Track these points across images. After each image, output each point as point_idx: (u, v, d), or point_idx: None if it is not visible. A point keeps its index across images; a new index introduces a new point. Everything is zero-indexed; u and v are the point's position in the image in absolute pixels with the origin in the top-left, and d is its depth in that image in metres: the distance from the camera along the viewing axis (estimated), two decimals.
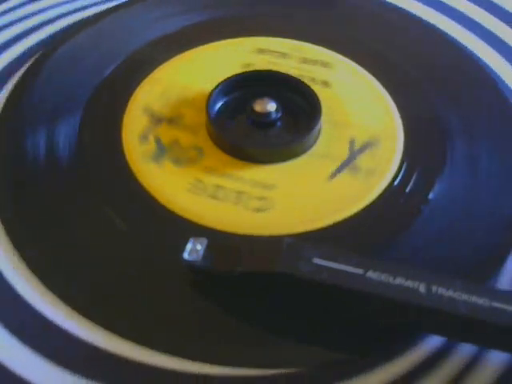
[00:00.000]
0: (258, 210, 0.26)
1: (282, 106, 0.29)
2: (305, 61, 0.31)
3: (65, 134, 0.28)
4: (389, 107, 0.30)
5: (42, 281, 0.24)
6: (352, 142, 0.28)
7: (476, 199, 0.27)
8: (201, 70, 0.31)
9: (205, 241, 0.24)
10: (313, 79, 0.30)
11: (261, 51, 0.32)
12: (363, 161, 0.28)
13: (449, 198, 0.27)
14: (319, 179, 0.27)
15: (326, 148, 0.28)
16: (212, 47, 0.32)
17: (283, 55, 0.31)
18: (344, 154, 0.28)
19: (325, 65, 0.31)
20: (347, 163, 0.28)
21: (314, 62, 0.31)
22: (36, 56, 0.32)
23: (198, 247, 0.23)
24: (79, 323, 0.23)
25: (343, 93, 0.30)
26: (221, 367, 0.22)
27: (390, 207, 0.26)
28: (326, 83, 0.30)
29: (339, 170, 0.27)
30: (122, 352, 0.23)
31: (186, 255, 0.23)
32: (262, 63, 0.31)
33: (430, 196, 0.27)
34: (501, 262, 0.25)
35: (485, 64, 0.32)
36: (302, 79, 0.30)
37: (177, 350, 0.23)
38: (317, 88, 0.29)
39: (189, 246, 0.23)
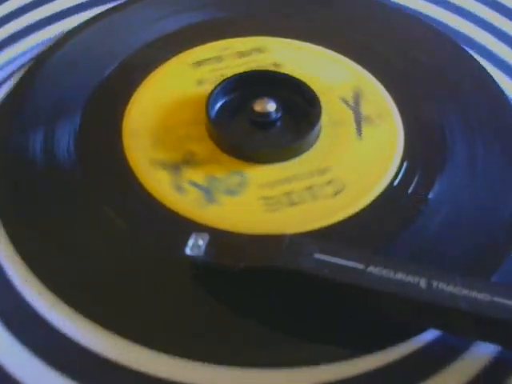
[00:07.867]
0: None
1: (282, 106, 0.29)
2: (240, 55, 0.31)
3: (65, 134, 0.28)
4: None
5: (42, 281, 0.24)
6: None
7: (476, 199, 0.27)
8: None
9: (206, 236, 0.24)
10: (262, 67, 0.31)
11: (198, 64, 0.31)
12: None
13: (449, 197, 0.27)
14: None
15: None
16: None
17: (218, 59, 0.31)
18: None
19: (261, 50, 0.31)
20: None
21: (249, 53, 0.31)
22: (35, 57, 0.32)
23: (200, 242, 0.24)
24: (79, 323, 0.23)
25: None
26: (221, 367, 0.22)
27: (390, 207, 0.26)
28: (276, 65, 0.31)
29: None
30: (121, 351, 0.23)
31: (187, 250, 0.23)
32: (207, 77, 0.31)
33: (430, 196, 0.27)
34: (501, 261, 0.25)
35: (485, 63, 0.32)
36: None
37: (177, 349, 0.23)
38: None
39: (191, 242, 0.24)
